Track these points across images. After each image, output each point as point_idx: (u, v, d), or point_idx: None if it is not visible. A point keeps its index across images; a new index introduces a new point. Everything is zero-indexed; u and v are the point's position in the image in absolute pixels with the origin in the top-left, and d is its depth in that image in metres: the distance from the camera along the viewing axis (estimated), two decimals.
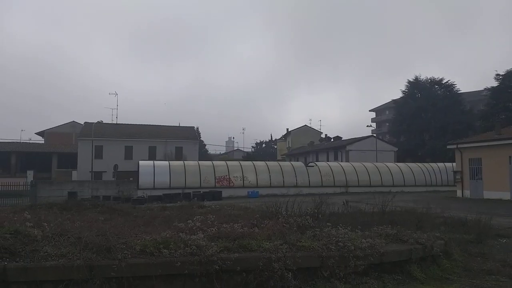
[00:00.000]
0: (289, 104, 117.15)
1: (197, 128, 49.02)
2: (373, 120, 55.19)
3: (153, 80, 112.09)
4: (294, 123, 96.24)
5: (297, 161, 38.11)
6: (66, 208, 6.76)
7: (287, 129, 49.72)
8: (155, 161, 20.97)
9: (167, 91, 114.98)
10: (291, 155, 42.46)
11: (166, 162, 20.79)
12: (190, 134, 34.15)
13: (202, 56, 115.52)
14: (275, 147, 59.73)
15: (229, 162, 22.43)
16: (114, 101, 63.05)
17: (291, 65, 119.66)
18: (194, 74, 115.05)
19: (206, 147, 52.20)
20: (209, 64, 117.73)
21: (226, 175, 20.17)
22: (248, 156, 44.58)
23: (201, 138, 46.93)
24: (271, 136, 66.53)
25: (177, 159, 28.48)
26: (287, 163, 24.27)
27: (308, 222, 4.60)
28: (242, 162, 22.55)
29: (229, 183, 20.03)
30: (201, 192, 17.44)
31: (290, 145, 45.98)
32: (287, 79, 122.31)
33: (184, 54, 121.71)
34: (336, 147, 33.17)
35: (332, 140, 40.44)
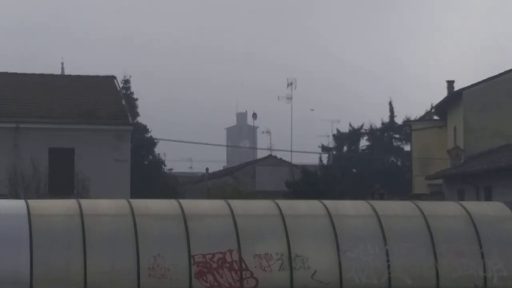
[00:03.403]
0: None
1: (125, 81, 52.32)
2: None
3: None
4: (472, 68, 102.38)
5: (489, 197, 38.44)
6: None
7: (449, 82, 50.37)
8: None
9: None
10: (469, 178, 42.51)
11: (20, 203, 21.73)
12: (104, 106, 35.94)
13: None
14: (405, 147, 62.19)
15: (237, 204, 22.98)
16: None
17: None
18: None
19: (158, 150, 54.65)
20: None
21: (231, 250, 20.81)
22: (311, 180, 44.42)
23: (138, 118, 48.85)
24: (392, 112, 66.79)
25: (54, 193, 29.53)
26: (453, 206, 24.62)
27: None
28: (286, 205, 23.15)
29: (241, 279, 20.57)
30: None
31: (460, 142, 46.23)
32: None
33: None
34: None
35: None
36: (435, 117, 53.36)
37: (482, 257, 21.08)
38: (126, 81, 50.95)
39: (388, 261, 20.77)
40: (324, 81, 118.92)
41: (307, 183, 41.94)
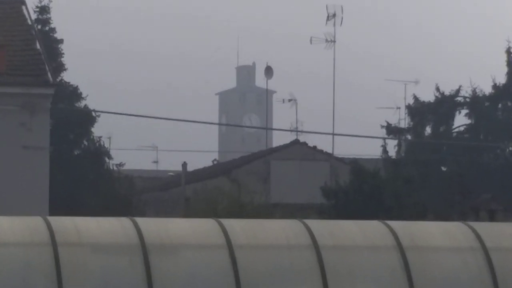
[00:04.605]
0: None
1: (42, 10, 53.69)
2: None
3: None
4: None
5: None
6: None
7: None
8: None
9: None
10: None
11: None
12: (5, 52, 36.76)
13: None
14: None
15: (238, 227, 23.71)
16: None
17: None
18: None
19: (99, 130, 56.78)
20: None
21: None
22: (367, 185, 45.51)
23: (64, 75, 51.17)
24: (510, 67, 68.97)
25: None
26: None
27: None
28: (323, 228, 23.80)
29: None
30: None
31: None
32: None
33: None
34: None
35: None
36: None
37: None
38: (43, 10, 50.55)
39: None
40: (390, 20, 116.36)
41: (361, 189, 42.47)
